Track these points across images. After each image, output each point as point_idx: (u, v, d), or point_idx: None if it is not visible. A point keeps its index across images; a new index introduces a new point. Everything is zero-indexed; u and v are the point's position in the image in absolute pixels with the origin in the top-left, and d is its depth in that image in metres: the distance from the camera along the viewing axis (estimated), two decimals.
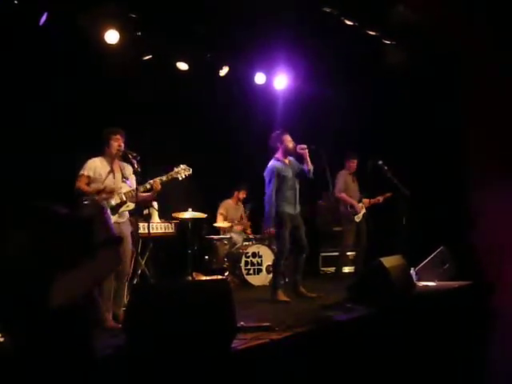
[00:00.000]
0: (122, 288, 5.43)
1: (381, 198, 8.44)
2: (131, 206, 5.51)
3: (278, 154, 6.79)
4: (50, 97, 6.77)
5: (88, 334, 2.49)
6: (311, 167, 6.72)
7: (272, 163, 6.73)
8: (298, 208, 6.79)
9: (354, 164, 8.49)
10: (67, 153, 6.48)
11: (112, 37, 6.93)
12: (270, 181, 6.66)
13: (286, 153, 6.78)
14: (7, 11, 6.02)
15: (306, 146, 6.71)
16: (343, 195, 8.36)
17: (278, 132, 6.86)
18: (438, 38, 7.49)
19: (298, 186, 6.79)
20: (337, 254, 8.90)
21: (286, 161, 6.80)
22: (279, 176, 6.65)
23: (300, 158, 6.84)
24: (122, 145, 5.49)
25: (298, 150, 6.71)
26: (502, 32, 7.06)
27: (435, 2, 6.98)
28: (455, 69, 7.84)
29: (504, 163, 7.33)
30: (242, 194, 9.28)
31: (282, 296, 6.56)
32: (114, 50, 7.02)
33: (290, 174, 6.72)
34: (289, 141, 6.77)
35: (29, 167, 6.43)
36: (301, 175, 6.80)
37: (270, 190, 6.64)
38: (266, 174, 6.73)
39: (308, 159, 6.71)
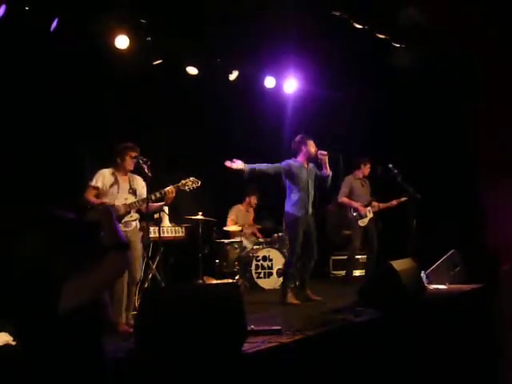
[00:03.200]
0: (132, 293, 5.46)
1: (395, 202, 8.36)
2: (135, 216, 5.54)
3: (299, 157, 6.82)
4: (59, 102, 6.82)
5: (98, 338, 2.51)
6: (330, 173, 6.77)
7: (288, 160, 6.79)
8: (310, 210, 6.80)
9: (367, 169, 8.46)
10: (76, 158, 6.54)
11: (122, 42, 6.97)
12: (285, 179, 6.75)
13: (308, 158, 6.82)
14: (19, 17, 6.06)
15: (326, 153, 6.75)
16: (344, 199, 8.34)
17: (301, 136, 6.88)
18: (448, 40, 7.48)
19: (312, 191, 6.81)
20: (346, 257, 8.88)
21: (306, 165, 6.83)
22: (290, 172, 6.69)
23: (319, 164, 6.88)
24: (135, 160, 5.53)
25: (318, 156, 6.73)
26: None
27: (445, 4, 6.97)
28: (465, 70, 7.82)
29: None
30: (254, 200, 9.27)
31: (291, 299, 6.58)
32: (124, 55, 7.06)
33: (304, 175, 6.74)
34: (312, 146, 6.81)
35: (35, 171, 6.48)
36: (320, 181, 6.84)
37: (288, 187, 6.73)
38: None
39: (327, 165, 6.75)
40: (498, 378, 5.77)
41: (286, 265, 7.00)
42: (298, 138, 6.89)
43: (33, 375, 2.31)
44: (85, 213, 5.20)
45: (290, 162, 6.78)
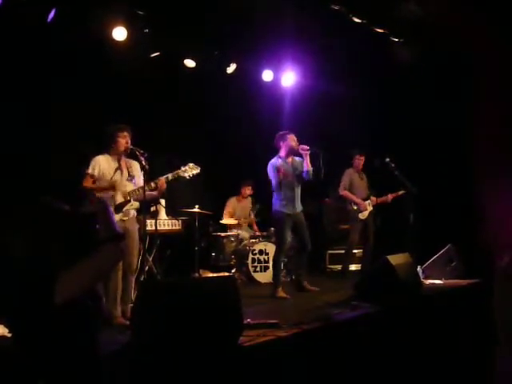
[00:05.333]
0: (129, 284, 5.42)
1: (390, 197, 8.39)
2: (136, 204, 5.49)
3: (281, 153, 6.91)
4: (56, 94, 6.78)
5: (91, 330, 2.50)
6: (310, 169, 6.75)
7: (273, 160, 6.87)
8: (299, 207, 6.90)
9: (360, 161, 8.47)
10: (74, 150, 6.50)
11: (120, 34, 6.95)
12: (272, 177, 6.80)
13: (289, 151, 6.88)
14: (15, 7, 6.02)
15: (307, 148, 6.75)
16: (345, 193, 8.35)
17: (281, 132, 6.97)
18: (447, 36, 7.46)
19: (298, 186, 6.88)
20: (343, 251, 8.88)
21: (289, 159, 6.90)
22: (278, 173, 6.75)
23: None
24: (129, 142, 5.47)
25: (299, 150, 6.76)
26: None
27: (445, 3, 6.96)
28: (464, 67, 7.81)
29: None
30: (248, 190, 9.29)
31: (281, 292, 6.62)
32: (122, 47, 7.03)
33: (289, 172, 6.81)
34: (292, 140, 6.87)
35: (38, 164, 6.45)
36: (299, 176, 6.86)
37: (274, 186, 6.80)
38: (268, 170, 6.88)
39: (308, 160, 6.76)
40: (493, 374, 5.78)
41: (274, 259, 7.11)
42: (277, 134, 6.97)
43: (27, 367, 2.31)
44: (81, 204, 5.17)
45: (275, 162, 6.83)
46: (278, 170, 6.73)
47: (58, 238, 2.42)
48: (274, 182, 6.82)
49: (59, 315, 2.31)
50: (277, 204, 6.81)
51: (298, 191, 6.89)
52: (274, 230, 7.09)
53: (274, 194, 6.86)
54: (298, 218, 6.88)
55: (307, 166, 6.75)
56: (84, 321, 2.46)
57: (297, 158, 6.95)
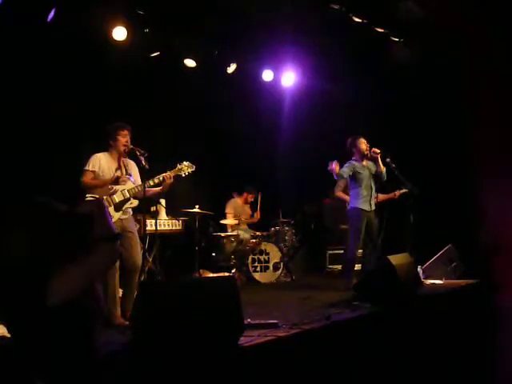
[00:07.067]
0: (133, 283, 5.36)
1: (397, 193, 8.33)
2: (135, 202, 5.46)
3: (355, 157, 7.30)
4: (56, 94, 6.78)
5: (89, 330, 2.50)
6: (383, 170, 7.27)
7: (350, 161, 7.25)
8: (374, 206, 7.29)
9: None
10: (73, 150, 6.50)
11: (120, 33, 6.94)
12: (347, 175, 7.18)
13: (362, 155, 7.29)
14: (15, 7, 6.02)
15: (379, 151, 7.24)
16: (339, 194, 8.31)
17: (353, 136, 7.37)
18: (446, 36, 7.46)
19: (374, 186, 7.31)
20: (343, 251, 8.85)
21: (364, 162, 7.31)
22: (354, 173, 7.17)
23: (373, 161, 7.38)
24: (129, 141, 5.46)
25: (371, 154, 7.24)
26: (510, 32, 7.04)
27: (445, 2, 6.96)
28: (462, 67, 7.81)
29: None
30: (250, 198, 9.32)
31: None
32: (122, 47, 7.02)
33: (366, 173, 7.23)
34: (362, 143, 7.29)
35: (36, 164, 6.45)
36: (376, 176, 7.34)
37: (352, 185, 7.27)
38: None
39: (380, 162, 7.25)
40: (490, 374, 5.79)
41: (348, 252, 7.30)
42: (348, 140, 7.37)
43: (26, 366, 2.30)
44: (77, 204, 5.13)
45: (353, 162, 7.22)
46: (352, 172, 7.14)
47: (54, 238, 2.42)
48: (352, 181, 7.20)
49: (58, 315, 2.30)
50: (356, 202, 7.19)
51: (374, 191, 7.32)
52: (349, 225, 7.24)
53: (352, 193, 7.29)
54: (372, 216, 7.28)
55: (380, 167, 7.26)
56: (83, 321, 2.46)
57: (370, 163, 7.35)
